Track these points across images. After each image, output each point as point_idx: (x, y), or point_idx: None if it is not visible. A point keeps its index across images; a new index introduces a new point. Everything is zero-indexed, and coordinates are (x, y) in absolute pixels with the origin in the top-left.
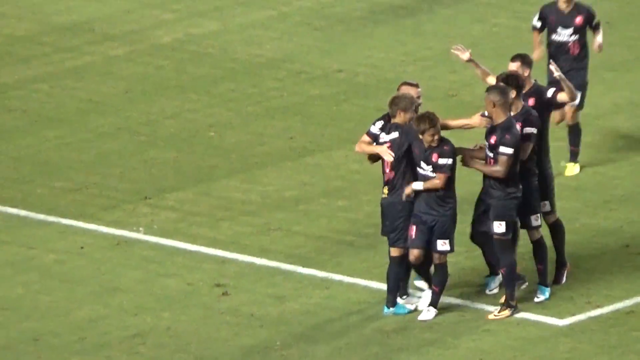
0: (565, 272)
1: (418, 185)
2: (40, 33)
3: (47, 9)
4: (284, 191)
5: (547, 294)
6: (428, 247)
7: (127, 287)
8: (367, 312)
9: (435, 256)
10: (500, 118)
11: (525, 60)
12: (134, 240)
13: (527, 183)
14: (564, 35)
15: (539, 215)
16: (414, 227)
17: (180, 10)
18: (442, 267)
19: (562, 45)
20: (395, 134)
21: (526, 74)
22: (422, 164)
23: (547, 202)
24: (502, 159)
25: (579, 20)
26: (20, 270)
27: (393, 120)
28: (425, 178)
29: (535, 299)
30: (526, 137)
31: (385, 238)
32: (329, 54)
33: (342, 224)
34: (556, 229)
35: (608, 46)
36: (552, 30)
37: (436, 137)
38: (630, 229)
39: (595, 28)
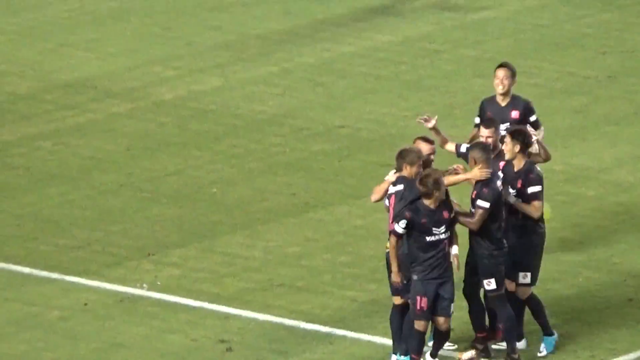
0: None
1: (455, 249)
2: (42, 90)
3: (48, 66)
4: (287, 247)
5: (551, 345)
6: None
7: (131, 344)
8: None
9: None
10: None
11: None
12: (137, 296)
13: (526, 239)
14: (501, 130)
15: (527, 274)
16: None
17: (182, 67)
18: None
19: (501, 140)
20: (400, 187)
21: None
22: (434, 229)
23: (528, 274)
24: (478, 212)
25: (515, 114)
26: (23, 327)
27: (399, 174)
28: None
29: (539, 354)
30: (532, 196)
31: (388, 293)
32: (331, 109)
33: (346, 280)
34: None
35: (610, 100)
36: None
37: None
38: (633, 282)
39: (534, 125)
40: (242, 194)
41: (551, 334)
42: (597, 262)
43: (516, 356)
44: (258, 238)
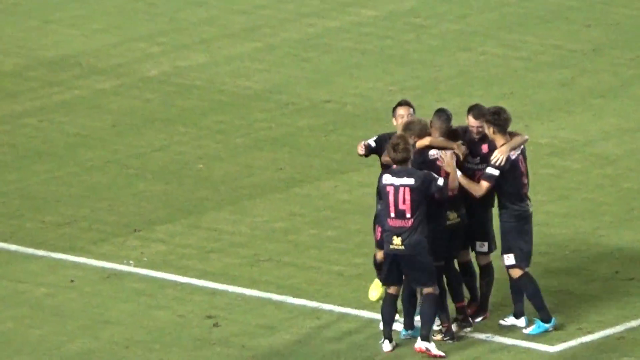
0: (482, 318)
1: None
2: (27, 68)
3: (33, 43)
4: (273, 222)
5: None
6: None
7: (118, 320)
8: (358, 342)
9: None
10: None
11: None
12: (124, 273)
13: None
14: (472, 163)
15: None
16: None
17: (167, 44)
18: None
19: (472, 174)
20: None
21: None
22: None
23: (485, 243)
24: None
25: (485, 148)
26: (10, 304)
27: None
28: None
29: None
30: (486, 176)
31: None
32: (316, 84)
33: (332, 254)
34: (486, 272)
35: (595, 73)
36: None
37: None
38: (620, 255)
39: None
40: (228, 170)
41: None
42: (583, 235)
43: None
44: (244, 213)
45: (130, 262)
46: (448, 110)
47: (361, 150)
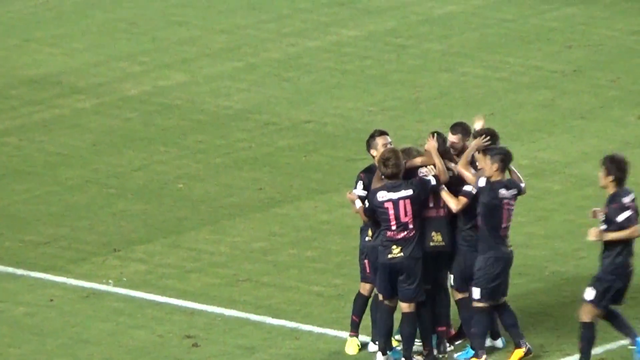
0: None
1: None
2: (7, 86)
3: (14, 62)
4: (253, 242)
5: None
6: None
7: (97, 340)
8: None
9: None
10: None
11: (466, 130)
12: (103, 292)
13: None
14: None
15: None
16: None
17: (148, 63)
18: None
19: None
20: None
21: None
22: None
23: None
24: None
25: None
26: None
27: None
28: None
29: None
30: (464, 193)
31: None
32: (297, 104)
33: (311, 275)
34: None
35: (576, 94)
36: None
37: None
38: None
39: None
40: (207, 190)
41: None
42: (563, 256)
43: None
44: (224, 233)
45: (110, 281)
46: (443, 133)
47: (357, 206)
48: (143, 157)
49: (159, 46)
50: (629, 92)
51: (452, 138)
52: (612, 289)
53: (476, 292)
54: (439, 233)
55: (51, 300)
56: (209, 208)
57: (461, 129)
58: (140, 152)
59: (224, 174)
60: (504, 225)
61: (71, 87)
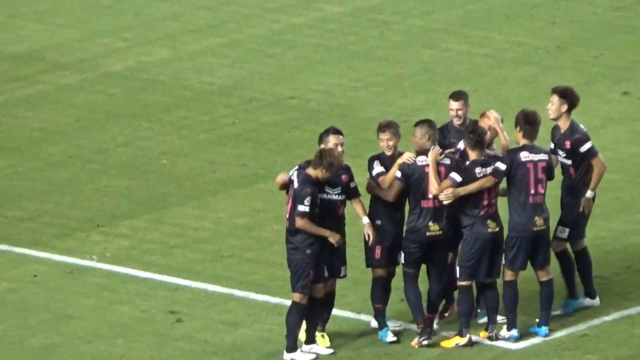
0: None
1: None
2: None
3: None
4: (237, 218)
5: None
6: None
7: (81, 315)
8: None
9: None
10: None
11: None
12: (87, 268)
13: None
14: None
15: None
16: None
17: (131, 39)
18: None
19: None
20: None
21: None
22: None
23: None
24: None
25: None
26: None
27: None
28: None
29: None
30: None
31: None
32: (280, 80)
33: None
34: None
35: (559, 70)
36: None
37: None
38: None
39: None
40: (191, 165)
41: (575, 298)
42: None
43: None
44: (207, 209)
45: (94, 257)
46: (430, 120)
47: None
48: (127, 132)
49: (143, 22)
50: (612, 69)
51: (455, 105)
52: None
53: (456, 271)
54: (436, 223)
55: (35, 275)
56: (193, 184)
57: (464, 95)
58: (123, 127)
59: (207, 149)
60: (484, 203)
61: (55, 63)
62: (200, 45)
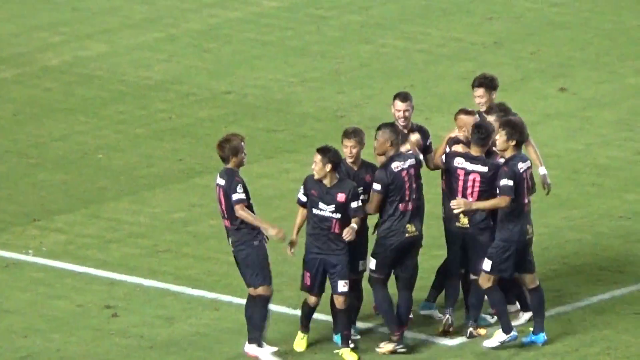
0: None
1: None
2: None
3: None
4: (173, 213)
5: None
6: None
7: (17, 309)
8: None
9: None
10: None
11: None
12: (23, 262)
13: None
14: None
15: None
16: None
17: (68, 33)
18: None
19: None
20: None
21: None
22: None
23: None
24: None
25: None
26: None
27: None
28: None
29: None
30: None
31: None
32: (217, 75)
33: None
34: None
35: (496, 66)
36: None
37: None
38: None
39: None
40: (127, 160)
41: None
42: None
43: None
44: (144, 204)
45: (30, 251)
46: (393, 123)
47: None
48: (63, 127)
49: (80, 16)
50: (549, 65)
51: (402, 106)
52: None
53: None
54: (412, 224)
55: None
56: (129, 178)
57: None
58: (60, 122)
59: (144, 144)
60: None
61: None
62: (137, 40)
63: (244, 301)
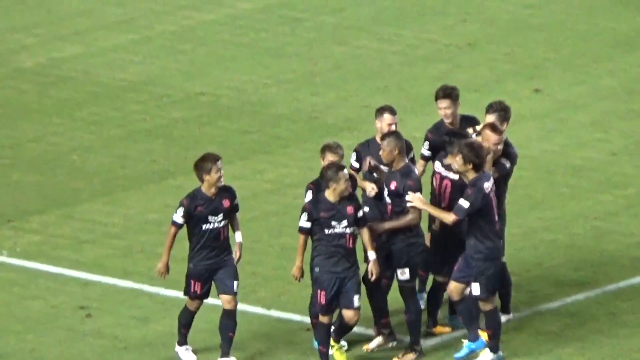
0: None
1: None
2: None
3: None
4: (147, 214)
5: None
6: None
7: None
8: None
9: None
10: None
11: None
12: None
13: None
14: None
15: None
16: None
17: (43, 35)
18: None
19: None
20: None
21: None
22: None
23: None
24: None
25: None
26: None
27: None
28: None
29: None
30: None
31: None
32: (191, 76)
33: None
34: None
35: (470, 67)
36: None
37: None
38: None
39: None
40: (102, 161)
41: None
42: None
43: (418, 348)
44: (118, 205)
45: (3, 252)
46: (397, 132)
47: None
48: (37, 128)
49: (54, 18)
50: (523, 66)
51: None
52: None
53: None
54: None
55: None
56: (103, 179)
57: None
58: (34, 123)
59: (118, 145)
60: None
61: None
62: (111, 41)
63: (218, 302)
